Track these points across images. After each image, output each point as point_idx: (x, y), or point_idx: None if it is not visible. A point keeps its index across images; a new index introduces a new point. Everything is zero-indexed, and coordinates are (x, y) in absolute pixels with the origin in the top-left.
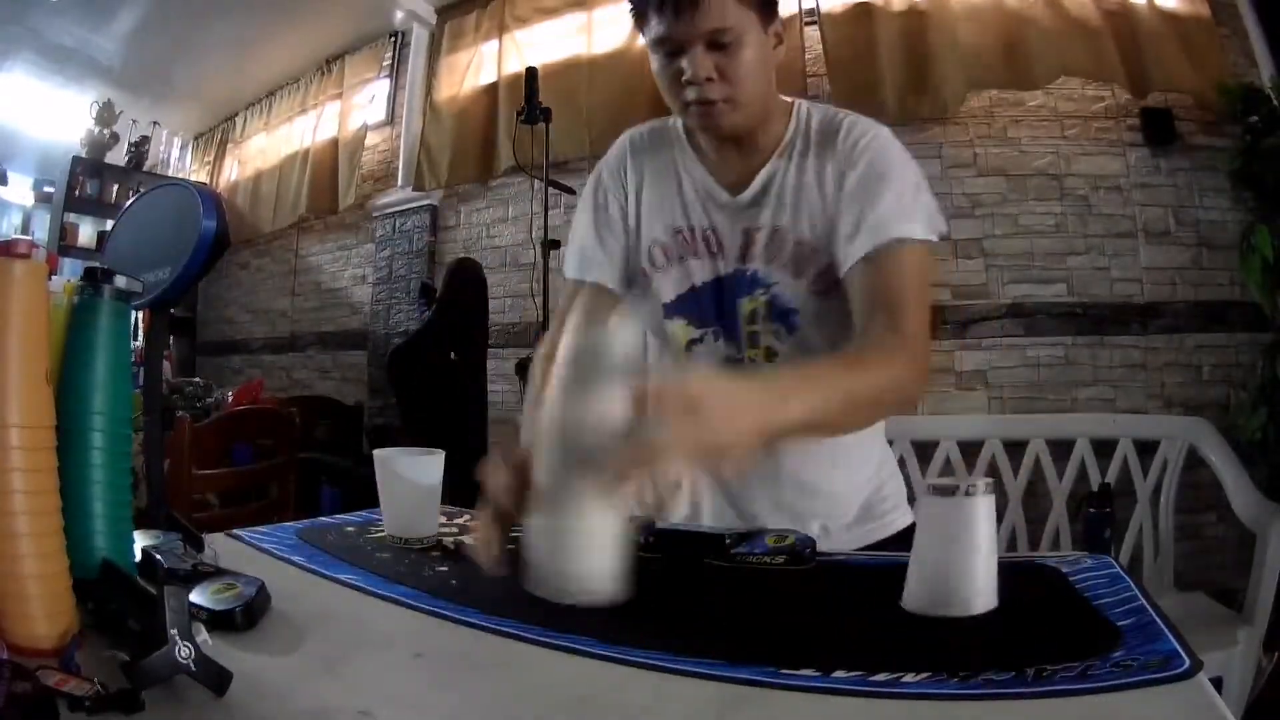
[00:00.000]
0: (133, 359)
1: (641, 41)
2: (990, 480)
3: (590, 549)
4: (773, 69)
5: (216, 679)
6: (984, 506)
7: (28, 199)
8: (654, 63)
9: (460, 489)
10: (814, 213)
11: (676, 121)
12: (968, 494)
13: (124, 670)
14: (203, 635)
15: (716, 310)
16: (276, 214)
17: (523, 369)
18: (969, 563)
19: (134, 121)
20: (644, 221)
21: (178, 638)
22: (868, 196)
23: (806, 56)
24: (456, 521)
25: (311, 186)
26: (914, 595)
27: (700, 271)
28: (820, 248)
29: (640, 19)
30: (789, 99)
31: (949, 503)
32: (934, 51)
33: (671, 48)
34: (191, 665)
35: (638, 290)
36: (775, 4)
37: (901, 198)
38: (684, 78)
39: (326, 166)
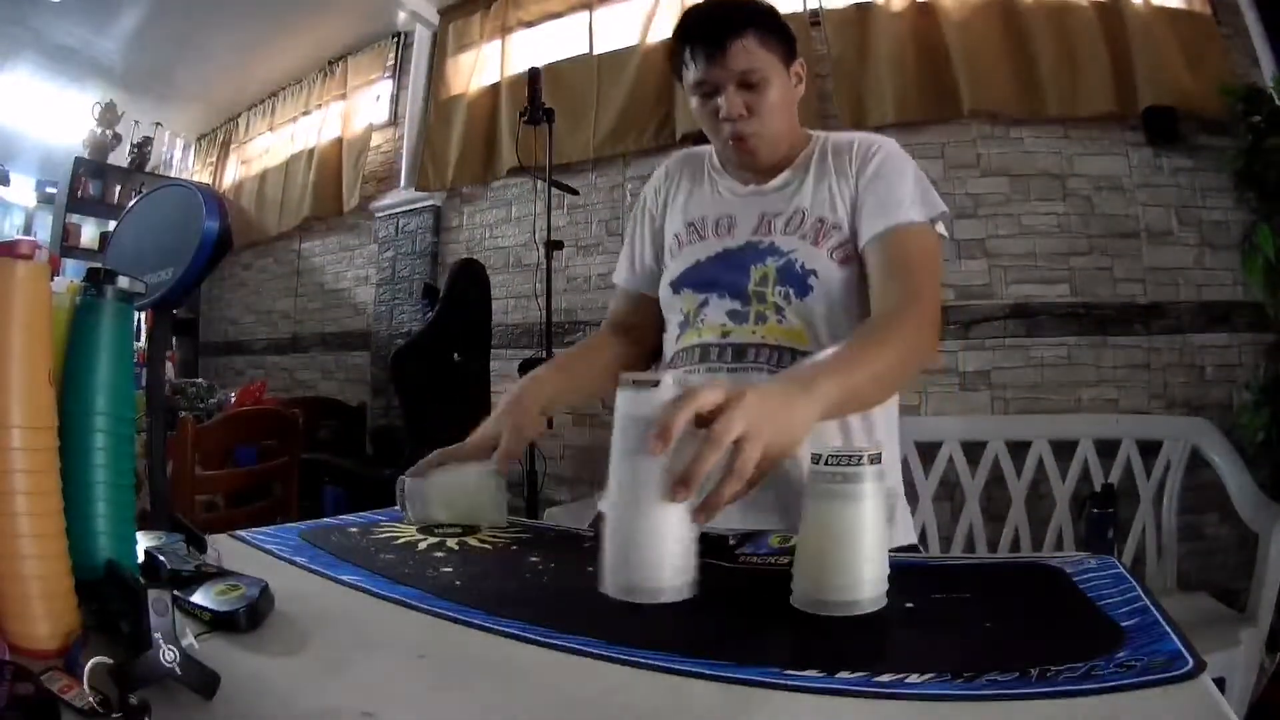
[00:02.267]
0: (135, 360)
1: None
2: (878, 453)
3: (657, 545)
4: (795, 105)
5: (203, 682)
6: (870, 486)
7: (30, 200)
8: (693, 104)
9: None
10: (835, 197)
11: (709, 152)
12: (854, 468)
13: (111, 675)
14: (188, 639)
15: (723, 276)
16: (282, 216)
17: (526, 370)
18: (852, 553)
19: (136, 122)
20: (668, 221)
21: (162, 641)
22: (882, 187)
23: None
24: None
25: (316, 188)
26: (798, 591)
27: (708, 249)
28: (841, 225)
29: (679, 66)
30: (809, 131)
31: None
32: (937, 54)
33: (708, 89)
34: (176, 669)
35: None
36: (794, 47)
37: (912, 190)
38: (720, 115)
39: (331, 168)
